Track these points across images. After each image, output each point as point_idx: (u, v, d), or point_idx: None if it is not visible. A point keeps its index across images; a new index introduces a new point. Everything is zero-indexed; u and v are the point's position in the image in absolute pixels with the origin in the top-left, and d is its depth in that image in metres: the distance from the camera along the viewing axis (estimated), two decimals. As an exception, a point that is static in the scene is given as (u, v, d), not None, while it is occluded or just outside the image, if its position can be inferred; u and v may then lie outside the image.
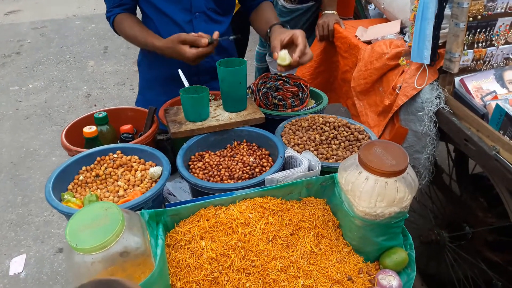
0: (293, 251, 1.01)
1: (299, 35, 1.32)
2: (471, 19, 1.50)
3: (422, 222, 2.09)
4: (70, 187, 1.12)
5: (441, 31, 1.61)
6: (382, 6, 2.40)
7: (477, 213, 1.83)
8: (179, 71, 1.54)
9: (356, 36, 2.23)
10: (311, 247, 1.03)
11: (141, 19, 1.65)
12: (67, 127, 1.37)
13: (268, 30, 1.52)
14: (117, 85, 4.53)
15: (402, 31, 2.12)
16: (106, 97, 4.33)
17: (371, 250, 1.08)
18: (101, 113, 1.37)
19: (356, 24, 2.41)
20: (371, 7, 3.09)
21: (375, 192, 0.99)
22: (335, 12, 2.47)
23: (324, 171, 1.14)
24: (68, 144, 1.25)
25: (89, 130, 1.29)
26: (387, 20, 2.40)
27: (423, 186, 1.87)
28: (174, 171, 1.48)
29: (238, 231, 0.99)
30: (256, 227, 1.01)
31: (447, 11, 1.59)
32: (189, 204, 1.02)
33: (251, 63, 3.78)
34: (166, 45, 1.42)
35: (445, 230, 1.94)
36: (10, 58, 5.19)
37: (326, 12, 2.47)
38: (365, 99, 2.06)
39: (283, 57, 1.28)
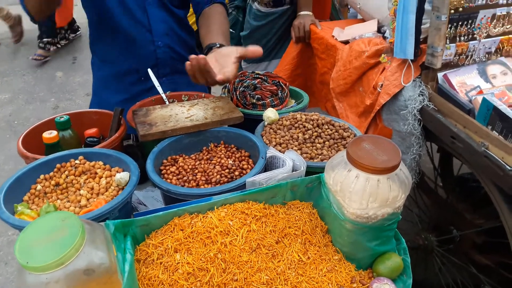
0: (279, 261, 0.91)
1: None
2: (452, 11, 1.46)
3: (408, 227, 2.02)
4: (26, 198, 0.99)
5: (422, 26, 1.56)
6: (358, 6, 2.36)
7: (464, 215, 1.78)
8: (149, 71, 1.44)
9: (333, 36, 2.17)
10: (298, 255, 0.93)
11: (89, 22, 1.54)
12: (24, 133, 1.23)
13: (206, 49, 1.38)
14: (87, 96, 4.35)
15: (379, 31, 2.07)
16: (75, 108, 4.14)
17: (364, 257, 0.99)
18: (62, 117, 1.24)
19: (332, 25, 2.36)
20: (351, 10, 3.07)
21: (366, 191, 0.90)
22: (310, 13, 2.41)
23: (310, 171, 1.05)
24: (24, 151, 1.12)
25: (49, 135, 1.16)
26: (363, 20, 2.35)
27: (408, 188, 1.81)
28: (145, 179, 1.37)
29: (218, 241, 0.88)
30: (237, 236, 0.90)
31: (427, 7, 1.55)
32: (161, 212, 0.90)
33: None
34: None
35: (432, 234, 1.87)
36: (-28, 71, 4.95)
37: (302, 13, 2.41)
38: (345, 100, 1.99)
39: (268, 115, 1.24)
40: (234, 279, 0.85)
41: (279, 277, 0.88)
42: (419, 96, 1.57)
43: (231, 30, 3.20)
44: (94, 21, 1.53)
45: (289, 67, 2.41)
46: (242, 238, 0.90)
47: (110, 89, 1.62)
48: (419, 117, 1.57)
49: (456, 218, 1.82)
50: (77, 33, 5.60)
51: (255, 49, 1.21)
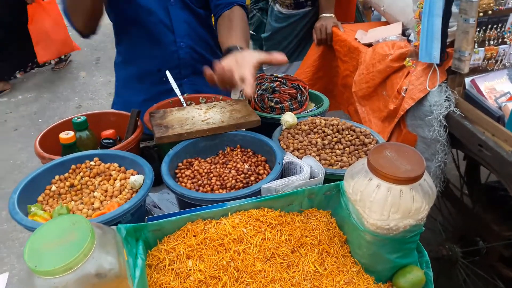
0: (294, 272, 0.88)
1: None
2: (481, 14, 1.40)
3: (431, 236, 1.95)
4: (40, 198, 0.99)
5: (448, 30, 1.50)
6: (382, 9, 2.30)
7: (492, 227, 1.70)
8: (167, 73, 1.43)
9: (355, 38, 2.12)
10: (315, 266, 0.90)
11: (111, 21, 1.54)
12: (42, 133, 1.24)
13: (226, 51, 1.32)
14: (109, 96, 4.40)
15: (404, 33, 2.01)
16: (98, 107, 4.20)
17: (383, 269, 0.95)
18: (80, 118, 1.24)
19: (355, 27, 2.31)
20: (375, 13, 3.00)
21: (388, 202, 0.86)
22: (333, 15, 2.37)
23: (328, 178, 1.01)
24: (41, 151, 1.12)
25: (66, 136, 1.16)
26: (387, 23, 2.30)
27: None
28: (161, 181, 1.35)
29: (231, 249, 0.86)
30: (251, 244, 0.87)
31: (454, 9, 1.49)
32: (174, 217, 0.88)
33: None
34: None
35: (457, 244, 1.80)
36: (0, 69, 5.07)
37: (324, 15, 2.37)
38: (368, 105, 1.94)
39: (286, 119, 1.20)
40: (247, 289, 0.82)
41: (294, 288, 0.85)
42: (445, 101, 1.51)
43: (253, 32, 3.18)
44: (118, 22, 1.54)
45: (310, 70, 2.37)
46: (256, 246, 0.87)
47: (132, 89, 1.62)
48: (444, 123, 1.51)
49: (483, 228, 1.74)
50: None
51: (280, 58, 1.15)
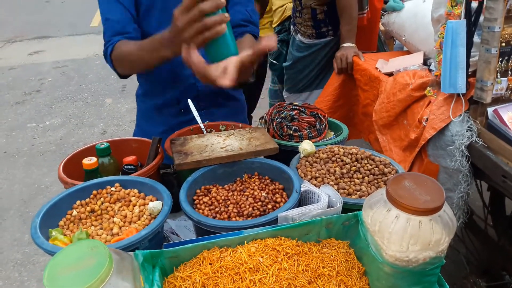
0: (311, 303, 0.86)
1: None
2: (503, 44, 1.39)
3: (455, 269, 1.89)
4: (61, 223, 1.01)
5: (470, 59, 1.49)
6: (403, 38, 2.32)
7: (518, 260, 1.64)
8: (189, 101, 1.46)
9: (376, 68, 2.13)
10: (332, 298, 0.88)
11: None
12: (66, 158, 1.27)
13: None
14: (133, 123, 4.48)
15: (425, 63, 2.01)
16: (122, 134, 4.29)
17: (403, 303, 0.92)
18: (103, 144, 1.27)
19: (376, 57, 2.33)
20: (397, 42, 3.02)
21: (407, 233, 0.84)
22: (353, 45, 2.39)
23: (346, 208, 1.00)
24: (64, 176, 1.15)
25: (89, 161, 1.19)
26: (408, 52, 2.30)
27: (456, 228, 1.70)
28: (180, 208, 1.36)
29: (247, 278, 0.85)
30: (267, 274, 0.87)
31: (476, 39, 1.48)
32: (190, 245, 0.88)
33: (266, 100, 3.72)
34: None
35: (482, 278, 1.73)
36: (30, 95, 5.27)
37: (345, 44, 2.39)
38: (389, 133, 1.93)
39: (305, 147, 1.20)
40: (262, 320, 0.81)
41: (310, 320, 0.83)
42: (467, 131, 1.48)
43: (274, 61, 3.23)
44: None
45: (331, 98, 2.38)
46: (272, 276, 0.86)
47: (151, 121, 1.65)
48: (467, 153, 1.49)
49: (509, 262, 1.68)
50: None
51: (267, 42, 1.03)
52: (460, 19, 1.43)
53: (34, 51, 6.95)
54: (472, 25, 1.40)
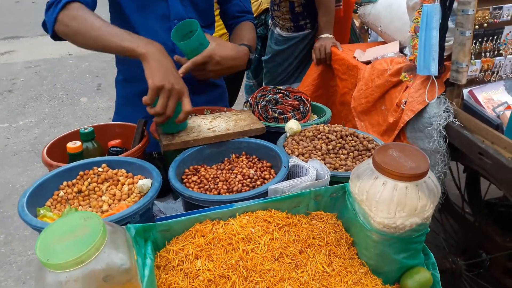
0: (303, 272, 0.88)
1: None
2: (477, 27, 1.44)
3: (435, 251, 1.93)
4: (48, 203, 0.99)
5: (445, 44, 1.54)
6: (379, 29, 2.37)
7: (494, 238, 1.70)
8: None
9: (354, 57, 2.17)
10: (323, 267, 0.90)
11: None
12: (49, 143, 1.25)
13: None
14: (110, 120, 4.43)
15: (401, 51, 2.07)
16: (98, 132, 4.22)
17: (391, 270, 0.95)
18: (87, 128, 1.26)
19: (353, 47, 2.37)
20: (372, 36, 3.08)
21: (394, 199, 0.87)
22: (331, 36, 2.43)
23: (334, 181, 1.02)
24: (48, 159, 1.13)
25: (73, 145, 1.18)
26: (384, 43, 2.36)
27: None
28: (166, 192, 1.36)
29: (239, 248, 0.86)
30: (259, 244, 0.88)
31: (450, 24, 1.54)
32: (183, 218, 0.89)
33: (242, 96, 3.73)
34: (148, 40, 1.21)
35: (460, 257, 1.79)
36: (1, 96, 5.12)
37: (323, 35, 2.43)
38: (367, 119, 1.97)
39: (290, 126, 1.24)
40: (256, 288, 0.82)
41: (303, 287, 0.84)
42: (444, 112, 1.53)
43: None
44: None
45: (310, 89, 2.41)
46: (264, 246, 0.88)
47: (132, 107, 1.63)
48: (444, 133, 1.53)
49: (485, 241, 1.74)
50: None
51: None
52: (435, 3, 1.47)
53: (5, 51, 6.75)
54: (446, 9, 1.45)
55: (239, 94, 3.37)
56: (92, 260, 0.68)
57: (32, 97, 5.06)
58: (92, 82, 5.39)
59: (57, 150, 1.23)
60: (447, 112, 1.53)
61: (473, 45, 1.46)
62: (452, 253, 1.85)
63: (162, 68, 1.10)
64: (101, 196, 1.00)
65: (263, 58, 2.99)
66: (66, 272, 0.67)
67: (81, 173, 1.06)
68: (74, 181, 1.05)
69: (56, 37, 1.32)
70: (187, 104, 1.12)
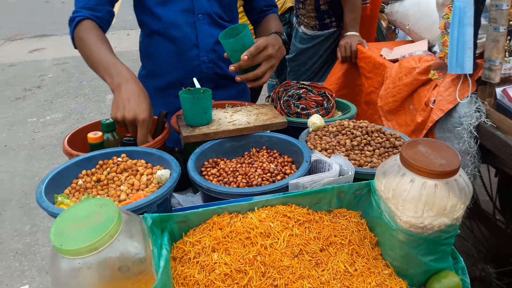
0: (323, 270, 0.84)
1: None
2: (511, 23, 1.37)
3: (464, 258, 1.86)
4: (66, 191, 0.99)
5: (477, 41, 1.48)
6: (407, 27, 2.30)
7: (526, 245, 1.62)
8: (195, 80, 1.44)
9: (381, 55, 2.11)
10: (345, 266, 0.86)
11: (140, 34, 1.60)
12: (71, 133, 1.25)
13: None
14: (134, 117, 4.48)
15: (430, 50, 2.00)
16: (122, 128, 4.27)
17: (417, 273, 0.90)
18: (108, 119, 1.25)
19: (380, 45, 2.31)
20: (399, 36, 3.01)
21: (422, 198, 0.82)
22: (357, 34, 2.37)
23: (358, 178, 0.98)
24: (69, 149, 1.13)
25: (94, 135, 1.17)
26: (412, 42, 2.29)
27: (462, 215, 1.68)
28: (186, 185, 1.34)
29: (257, 243, 0.83)
30: (278, 239, 0.85)
31: (483, 21, 1.47)
32: (200, 209, 0.87)
33: (265, 96, 3.70)
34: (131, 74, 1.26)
35: (491, 265, 1.71)
36: (30, 91, 5.25)
37: (349, 33, 2.37)
38: (394, 119, 1.91)
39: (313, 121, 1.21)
40: (274, 285, 0.79)
41: (323, 286, 0.81)
42: (475, 112, 1.47)
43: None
44: (146, 34, 1.57)
45: (334, 87, 2.36)
46: (283, 241, 0.85)
47: (153, 103, 1.63)
48: (475, 134, 1.47)
49: (517, 248, 1.66)
50: None
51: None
52: (468, -2, 1.41)
53: (35, 48, 6.93)
54: (479, 4, 1.39)
55: (262, 93, 3.35)
56: (106, 248, 0.67)
57: (59, 93, 5.17)
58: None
59: (79, 141, 1.23)
60: (479, 111, 1.47)
61: (507, 41, 1.39)
62: (482, 261, 1.77)
63: (121, 102, 1.13)
64: (119, 186, 0.99)
65: (286, 56, 2.95)
66: (80, 259, 0.66)
67: (100, 162, 1.05)
68: (93, 170, 1.04)
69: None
70: (139, 135, 1.12)
